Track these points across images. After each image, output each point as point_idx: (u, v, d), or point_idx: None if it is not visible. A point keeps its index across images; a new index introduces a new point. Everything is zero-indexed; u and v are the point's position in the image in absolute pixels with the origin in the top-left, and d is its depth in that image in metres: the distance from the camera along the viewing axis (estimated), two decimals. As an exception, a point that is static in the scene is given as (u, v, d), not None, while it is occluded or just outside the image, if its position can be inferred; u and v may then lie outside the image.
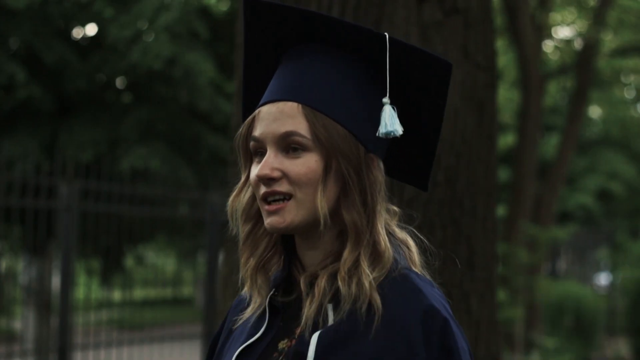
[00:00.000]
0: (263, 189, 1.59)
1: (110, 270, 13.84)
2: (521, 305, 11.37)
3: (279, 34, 1.68)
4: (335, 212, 1.60)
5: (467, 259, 2.93)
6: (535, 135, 13.53)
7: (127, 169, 11.72)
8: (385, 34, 1.61)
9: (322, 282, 1.58)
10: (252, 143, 1.63)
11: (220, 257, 8.17)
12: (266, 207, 1.60)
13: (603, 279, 17.54)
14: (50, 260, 11.15)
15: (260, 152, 1.62)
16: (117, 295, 14.04)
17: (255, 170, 1.61)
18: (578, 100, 14.93)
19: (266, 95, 1.64)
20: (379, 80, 1.63)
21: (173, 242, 18.90)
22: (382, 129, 1.59)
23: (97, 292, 13.34)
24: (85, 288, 11.03)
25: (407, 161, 1.74)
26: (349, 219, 1.58)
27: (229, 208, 1.68)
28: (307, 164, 1.58)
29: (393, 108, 1.61)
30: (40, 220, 7.44)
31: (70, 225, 7.31)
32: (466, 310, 2.94)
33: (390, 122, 1.59)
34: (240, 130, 1.66)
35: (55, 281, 9.56)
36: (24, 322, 10.98)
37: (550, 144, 20.89)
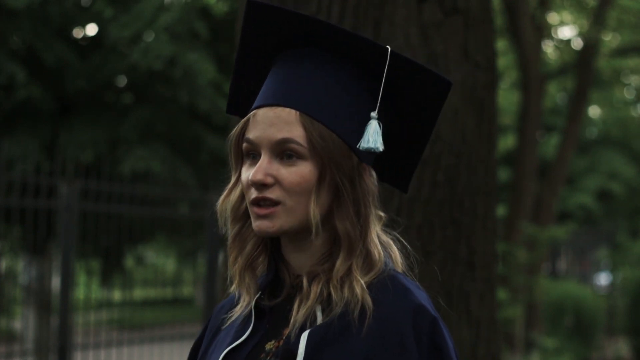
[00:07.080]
0: (254, 194, 1.58)
1: (110, 270, 13.83)
2: (521, 305, 11.36)
3: (277, 35, 1.66)
4: (326, 219, 1.60)
5: (467, 259, 2.93)
6: (535, 135, 13.52)
7: (128, 171, 11.71)
8: (388, 47, 1.61)
9: (317, 287, 1.59)
10: (245, 145, 1.62)
11: (220, 257, 8.17)
12: (256, 209, 1.59)
13: (603, 279, 17.52)
14: (50, 260, 11.14)
15: (252, 154, 1.61)
16: (117, 295, 14.03)
17: (248, 173, 1.60)
18: (578, 100, 14.93)
19: (262, 97, 1.63)
20: (373, 91, 1.62)
21: (173, 242, 18.89)
22: (363, 144, 1.59)
23: (97, 292, 13.34)
24: (85, 288, 11.02)
25: (391, 164, 1.74)
26: (342, 229, 1.58)
27: (218, 208, 1.68)
28: (301, 172, 1.57)
29: (379, 124, 1.60)
30: (40, 220, 7.44)
31: (70, 225, 7.31)
32: (466, 310, 2.94)
33: (373, 138, 1.59)
34: (234, 130, 1.65)
35: (55, 281, 9.57)
36: (24, 322, 10.97)
37: (550, 144, 20.88)
